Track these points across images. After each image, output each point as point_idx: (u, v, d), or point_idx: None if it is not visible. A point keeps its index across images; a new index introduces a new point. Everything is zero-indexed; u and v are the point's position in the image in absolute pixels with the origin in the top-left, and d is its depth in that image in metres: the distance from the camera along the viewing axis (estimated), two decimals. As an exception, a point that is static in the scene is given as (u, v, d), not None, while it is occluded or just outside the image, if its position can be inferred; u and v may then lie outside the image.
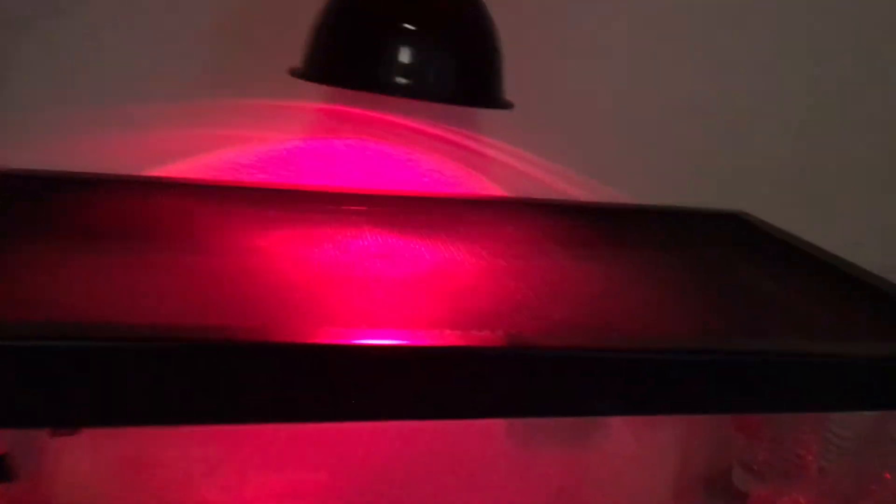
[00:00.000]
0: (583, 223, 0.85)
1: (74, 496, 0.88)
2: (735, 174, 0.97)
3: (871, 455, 0.87)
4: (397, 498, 0.99)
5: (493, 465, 0.99)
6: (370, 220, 0.78)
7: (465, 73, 0.65)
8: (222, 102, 0.82)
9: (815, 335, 0.70)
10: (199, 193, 0.79)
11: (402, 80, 0.63)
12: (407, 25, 0.62)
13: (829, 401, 0.60)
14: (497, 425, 1.00)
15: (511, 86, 0.72)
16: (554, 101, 0.88)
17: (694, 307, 0.72)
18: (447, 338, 0.52)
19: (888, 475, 0.79)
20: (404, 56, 0.63)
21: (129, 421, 0.49)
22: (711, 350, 0.56)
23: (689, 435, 1.00)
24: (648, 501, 1.02)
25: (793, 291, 0.78)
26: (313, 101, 0.84)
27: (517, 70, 0.73)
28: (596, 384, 0.54)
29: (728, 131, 0.96)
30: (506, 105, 0.68)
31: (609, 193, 0.93)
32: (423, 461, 0.97)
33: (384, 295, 0.60)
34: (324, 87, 0.84)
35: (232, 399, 0.49)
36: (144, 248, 0.66)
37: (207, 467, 0.93)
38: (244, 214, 0.76)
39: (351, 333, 0.52)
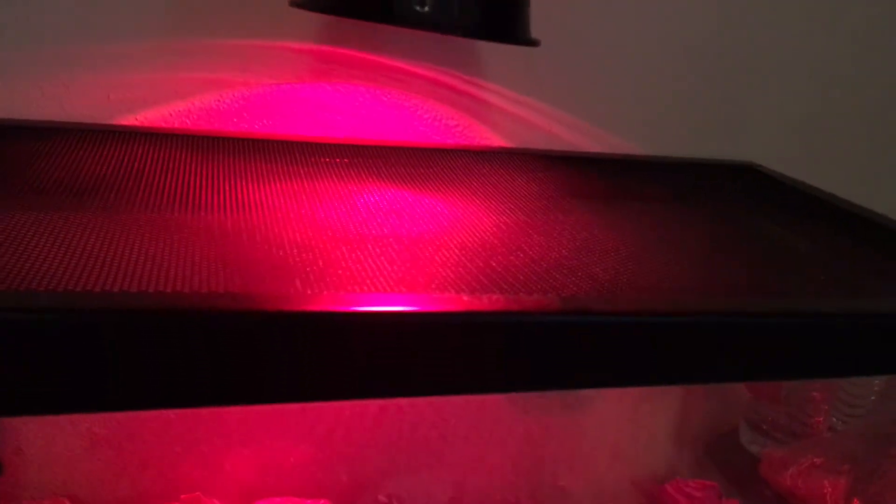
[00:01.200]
0: (595, 175, 0.80)
1: (52, 478, 0.81)
2: (743, 124, 0.92)
3: (886, 414, 0.84)
4: (386, 468, 0.93)
5: (490, 433, 0.94)
6: (370, 173, 0.71)
7: (492, 3, 0.58)
8: (198, 43, 0.73)
9: (845, 291, 0.66)
10: (176, 144, 0.71)
11: (420, 9, 0.55)
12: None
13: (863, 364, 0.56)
14: (491, 398, 0.95)
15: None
16: (560, 46, 0.82)
17: (723, 263, 0.67)
18: (496, 302, 0.45)
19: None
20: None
21: (129, 404, 0.41)
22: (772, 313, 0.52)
23: (687, 394, 0.97)
24: (647, 463, 0.98)
25: (819, 244, 0.74)
26: (299, 41, 0.76)
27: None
28: (655, 351, 0.48)
29: (737, 79, 0.90)
30: (533, 42, 0.61)
31: (616, 143, 0.87)
32: (414, 429, 0.92)
33: (408, 255, 0.53)
34: (311, 26, 0.76)
35: (248, 377, 0.42)
36: (118, 206, 0.58)
37: (186, 443, 0.86)
38: (229, 167, 0.68)
39: (388, 299, 0.46)
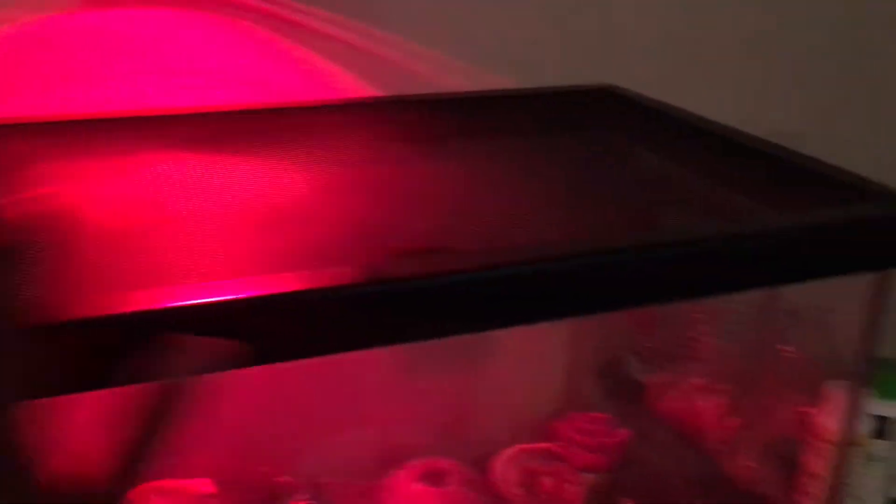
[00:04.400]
0: (443, 116, 0.76)
1: None
2: (601, 46, 0.89)
3: (766, 329, 0.84)
4: (276, 443, 0.90)
5: (380, 397, 0.91)
6: (170, 139, 0.64)
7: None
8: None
9: (714, 212, 0.65)
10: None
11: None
12: None
13: (733, 282, 0.55)
14: (381, 355, 0.92)
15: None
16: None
17: (584, 196, 0.64)
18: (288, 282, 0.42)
19: (782, 349, 0.75)
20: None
21: None
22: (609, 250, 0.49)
23: (578, 330, 0.95)
24: (544, 405, 0.97)
25: (683, 166, 0.72)
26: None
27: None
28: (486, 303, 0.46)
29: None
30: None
31: (468, 74, 0.82)
32: (300, 402, 0.88)
33: (214, 235, 0.49)
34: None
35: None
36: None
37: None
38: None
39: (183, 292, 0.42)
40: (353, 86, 0.77)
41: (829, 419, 0.68)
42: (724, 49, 0.94)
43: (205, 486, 0.82)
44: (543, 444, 0.94)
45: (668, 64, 0.91)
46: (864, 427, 0.74)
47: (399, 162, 0.67)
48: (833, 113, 0.99)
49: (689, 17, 0.91)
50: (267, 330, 0.42)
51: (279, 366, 0.42)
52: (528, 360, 0.95)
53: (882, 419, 0.76)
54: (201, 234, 0.50)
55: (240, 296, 0.41)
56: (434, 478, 0.88)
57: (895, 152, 1.04)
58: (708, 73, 0.94)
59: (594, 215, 0.61)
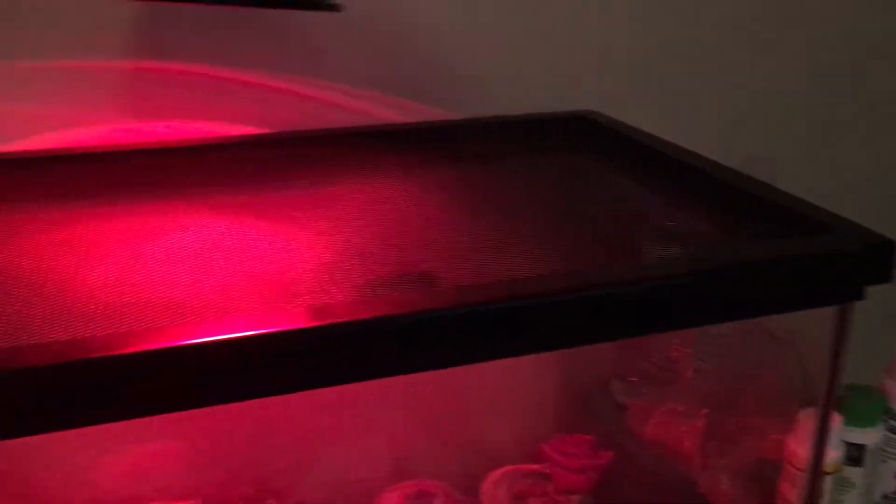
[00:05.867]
0: (420, 145, 0.77)
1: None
2: (578, 71, 0.89)
3: (747, 351, 0.84)
4: (265, 465, 0.91)
5: (369, 421, 0.92)
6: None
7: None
8: None
9: (692, 243, 0.65)
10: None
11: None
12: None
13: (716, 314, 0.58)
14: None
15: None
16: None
17: (561, 226, 0.65)
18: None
19: (760, 373, 0.76)
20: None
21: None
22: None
23: (565, 355, 0.96)
24: (532, 427, 0.98)
25: (660, 197, 0.73)
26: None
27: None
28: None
29: (561, 22, 0.87)
30: (334, 6, 0.58)
31: (432, 113, 0.83)
32: (290, 422, 0.90)
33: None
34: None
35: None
36: None
37: (44, 458, 0.83)
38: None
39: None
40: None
41: (802, 446, 0.68)
42: (702, 74, 0.95)
43: (193, 507, 0.83)
44: (532, 466, 0.95)
45: (648, 90, 0.92)
46: (840, 454, 0.75)
47: (387, 188, 0.68)
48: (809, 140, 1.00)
49: (665, 42, 0.92)
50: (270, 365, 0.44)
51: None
52: (517, 383, 0.96)
53: (857, 446, 0.76)
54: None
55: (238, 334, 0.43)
56: (422, 499, 0.89)
57: (861, 181, 1.05)
58: (685, 98, 0.95)
59: (571, 245, 0.63)
